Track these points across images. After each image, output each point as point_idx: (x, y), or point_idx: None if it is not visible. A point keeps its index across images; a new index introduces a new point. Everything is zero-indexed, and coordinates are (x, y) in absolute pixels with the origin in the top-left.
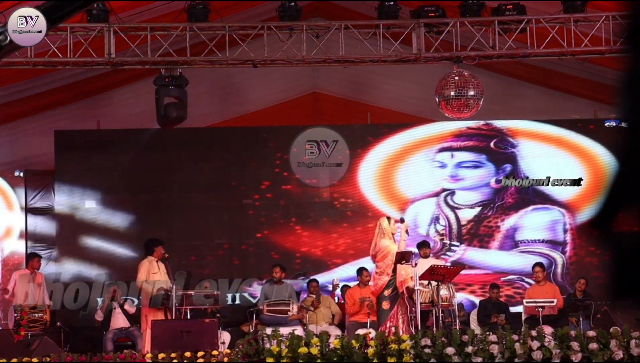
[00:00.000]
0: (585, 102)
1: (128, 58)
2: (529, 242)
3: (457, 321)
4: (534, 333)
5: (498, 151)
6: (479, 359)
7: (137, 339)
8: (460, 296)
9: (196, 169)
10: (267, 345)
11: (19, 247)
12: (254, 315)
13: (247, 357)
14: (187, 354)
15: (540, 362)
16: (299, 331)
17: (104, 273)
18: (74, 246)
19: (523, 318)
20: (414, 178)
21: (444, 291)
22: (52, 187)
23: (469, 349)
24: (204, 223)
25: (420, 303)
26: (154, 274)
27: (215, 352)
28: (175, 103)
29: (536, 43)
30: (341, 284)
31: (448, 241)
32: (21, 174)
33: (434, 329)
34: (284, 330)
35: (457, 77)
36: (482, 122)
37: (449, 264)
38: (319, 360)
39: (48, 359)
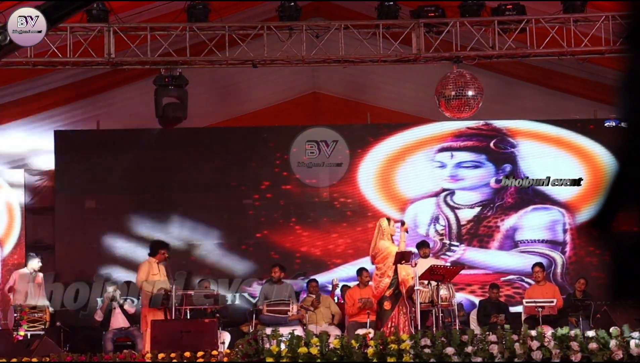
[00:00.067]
0: (585, 102)
1: (128, 58)
2: (528, 242)
3: (457, 321)
4: (533, 333)
5: (498, 151)
6: (479, 359)
7: (137, 339)
8: (460, 296)
9: (196, 169)
10: (267, 345)
11: (19, 247)
12: (254, 315)
13: (246, 357)
14: (187, 354)
15: (540, 362)
16: (298, 331)
17: (104, 273)
18: (74, 247)
19: (523, 318)
20: (414, 178)
21: (443, 291)
22: (52, 187)
23: (469, 349)
24: (204, 223)
25: (420, 303)
26: (154, 275)
27: (215, 352)
28: (175, 103)
29: (536, 43)
30: (341, 284)
31: (448, 241)
32: (21, 174)
33: (434, 329)
34: (284, 330)
35: (457, 77)
36: (481, 122)
37: (448, 264)
38: (318, 360)
39: (48, 359)
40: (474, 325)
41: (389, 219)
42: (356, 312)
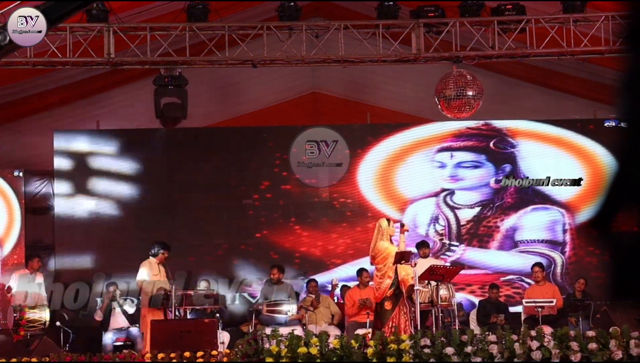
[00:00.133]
0: (584, 102)
1: (127, 58)
2: (528, 242)
3: (457, 321)
4: (533, 333)
5: (497, 151)
6: (478, 359)
7: (137, 339)
8: (460, 296)
9: (196, 169)
10: (267, 345)
11: (19, 247)
12: (254, 315)
13: (246, 357)
14: (187, 354)
15: (540, 362)
16: (298, 331)
17: (104, 274)
18: (74, 247)
19: (522, 318)
20: (414, 178)
21: (443, 291)
22: (52, 187)
23: (468, 349)
24: (204, 223)
25: (420, 303)
26: (154, 276)
27: (214, 352)
28: (174, 103)
29: (536, 43)
30: (340, 284)
31: (447, 241)
32: (21, 174)
33: (434, 329)
34: (284, 330)
35: (457, 77)
36: (481, 122)
37: (448, 264)
38: (318, 360)
39: (47, 359)
40: (473, 325)
41: (388, 219)
42: (356, 312)
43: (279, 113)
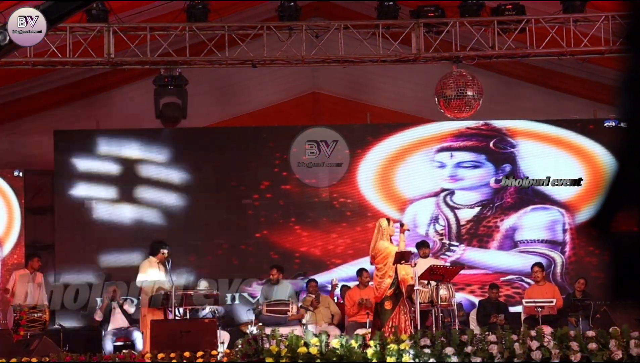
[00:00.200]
0: (584, 102)
1: (127, 58)
2: (528, 242)
3: (457, 321)
4: (533, 333)
5: (497, 151)
6: (478, 359)
7: (137, 339)
8: (460, 296)
9: (196, 169)
10: (267, 345)
11: (19, 247)
12: (254, 315)
13: (246, 357)
14: (187, 354)
15: (540, 362)
16: (298, 331)
17: (104, 274)
18: (74, 247)
19: (522, 318)
20: (414, 178)
21: (443, 291)
22: (52, 187)
23: (468, 349)
24: (204, 223)
25: (420, 303)
26: (154, 275)
27: (214, 352)
28: (174, 103)
29: (535, 43)
30: (340, 284)
31: (447, 241)
32: (21, 174)
33: (433, 329)
34: (284, 330)
35: (457, 77)
36: (481, 122)
37: (448, 264)
38: (318, 360)
39: (47, 359)
40: (473, 325)
41: (388, 219)
42: (356, 312)
43: (279, 113)
